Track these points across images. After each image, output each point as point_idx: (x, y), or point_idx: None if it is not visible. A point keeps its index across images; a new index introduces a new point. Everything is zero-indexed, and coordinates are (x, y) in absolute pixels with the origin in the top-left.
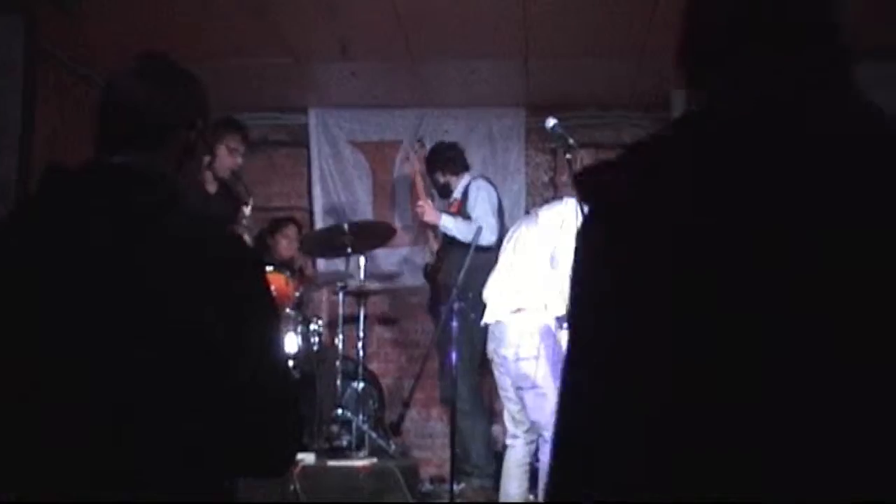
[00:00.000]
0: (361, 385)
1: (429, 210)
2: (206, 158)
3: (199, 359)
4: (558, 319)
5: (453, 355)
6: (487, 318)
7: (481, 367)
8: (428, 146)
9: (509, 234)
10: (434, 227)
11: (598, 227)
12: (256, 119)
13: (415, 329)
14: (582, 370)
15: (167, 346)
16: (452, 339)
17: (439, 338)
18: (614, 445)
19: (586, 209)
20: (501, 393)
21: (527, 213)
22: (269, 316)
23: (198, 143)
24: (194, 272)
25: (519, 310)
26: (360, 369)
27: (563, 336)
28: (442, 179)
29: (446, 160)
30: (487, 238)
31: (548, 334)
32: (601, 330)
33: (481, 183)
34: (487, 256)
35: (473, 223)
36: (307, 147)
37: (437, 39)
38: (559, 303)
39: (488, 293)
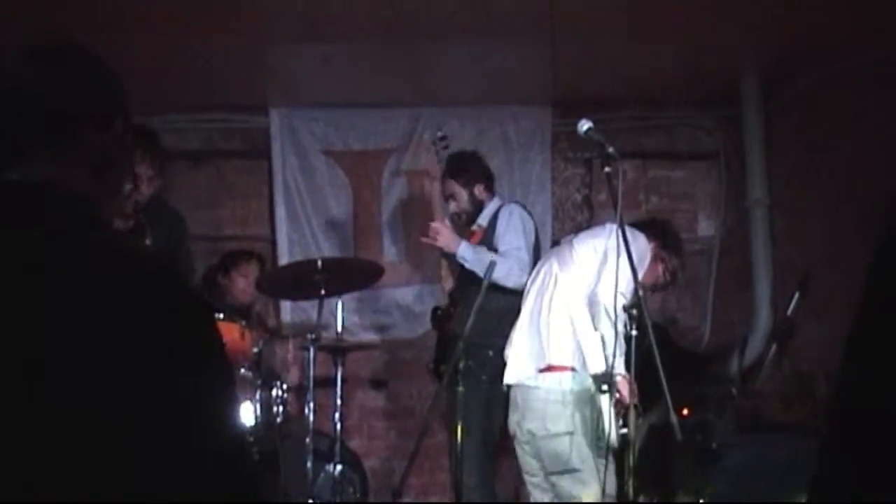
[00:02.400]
0: (339, 468)
1: (446, 233)
2: (128, 185)
3: (122, 442)
4: (597, 380)
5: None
6: (507, 380)
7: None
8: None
9: (533, 273)
10: (450, 259)
11: None
12: (201, 122)
13: (409, 394)
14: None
15: (80, 422)
16: (457, 408)
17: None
18: None
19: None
20: (526, 478)
21: (556, 243)
22: (219, 379)
23: (116, 150)
24: (118, 322)
25: (547, 368)
26: (338, 447)
27: (604, 402)
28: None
29: (470, 171)
30: (516, 278)
31: (585, 401)
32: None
33: (515, 209)
34: (511, 301)
35: (502, 258)
36: (268, 158)
37: (438, 14)
38: (599, 359)
39: (510, 350)
